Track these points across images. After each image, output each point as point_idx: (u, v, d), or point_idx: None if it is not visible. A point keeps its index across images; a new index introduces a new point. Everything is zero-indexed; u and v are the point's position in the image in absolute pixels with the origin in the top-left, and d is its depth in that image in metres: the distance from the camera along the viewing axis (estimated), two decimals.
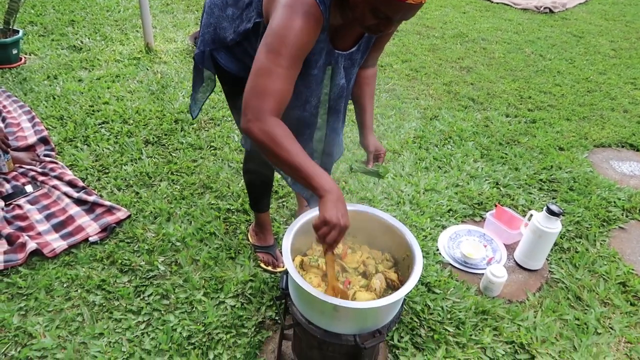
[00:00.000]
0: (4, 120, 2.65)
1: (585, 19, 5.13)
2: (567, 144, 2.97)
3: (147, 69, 3.34)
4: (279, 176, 2.37)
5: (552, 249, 2.17)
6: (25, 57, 3.30)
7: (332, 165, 1.90)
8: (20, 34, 3.19)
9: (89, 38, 3.67)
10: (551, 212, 1.96)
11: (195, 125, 2.80)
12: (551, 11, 5.18)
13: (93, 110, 2.83)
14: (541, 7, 5.23)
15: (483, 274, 2.01)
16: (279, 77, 1.23)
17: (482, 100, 3.38)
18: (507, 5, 5.33)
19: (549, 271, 2.09)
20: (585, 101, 3.50)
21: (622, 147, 3.04)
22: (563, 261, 2.14)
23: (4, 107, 2.75)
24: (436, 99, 3.35)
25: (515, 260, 2.14)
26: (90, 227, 2.03)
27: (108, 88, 3.06)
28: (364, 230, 1.60)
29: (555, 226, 1.98)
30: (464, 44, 4.28)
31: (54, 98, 2.91)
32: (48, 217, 2.09)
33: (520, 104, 3.38)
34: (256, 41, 1.42)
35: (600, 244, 2.24)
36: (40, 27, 3.77)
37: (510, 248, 2.21)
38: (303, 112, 1.51)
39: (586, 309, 1.91)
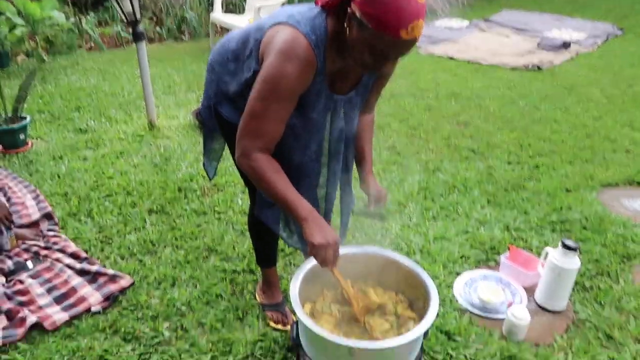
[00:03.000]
0: (9, 200, 2.66)
1: (573, 72, 5.29)
2: (574, 186, 2.93)
3: (151, 144, 3.41)
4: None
5: (573, 289, 2.07)
6: (32, 142, 3.39)
7: (349, 217, 1.87)
8: (27, 120, 3.30)
9: (94, 121, 3.79)
10: (567, 247, 1.89)
11: (198, 192, 2.81)
12: (539, 68, 5.36)
13: (97, 185, 2.85)
14: (529, 64, 5.42)
15: (504, 318, 1.91)
16: (269, 120, 1.33)
17: (483, 151, 3.40)
18: (497, 65, 5.54)
19: (574, 311, 1.98)
20: (585, 145, 3.51)
21: (630, 185, 3.00)
22: (587, 300, 2.04)
23: (9, 187, 2.77)
24: (437, 153, 3.37)
25: (536, 302, 2.04)
26: (93, 296, 1.97)
27: (112, 164, 3.11)
28: (373, 271, 1.55)
29: (574, 262, 1.91)
30: (458, 101, 4.39)
31: (59, 177, 2.94)
32: (49, 290, 2.03)
33: (521, 152, 3.40)
34: None
35: (624, 280, 2.15)
36: (47, 114, 3.91)
37: (530, 290, 2.11)
38: (303, 158, 1.52)
39: (620, 348, 1.79)
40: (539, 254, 2.30)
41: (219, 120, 1.62)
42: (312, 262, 1.50)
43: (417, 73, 5.27)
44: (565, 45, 6.08)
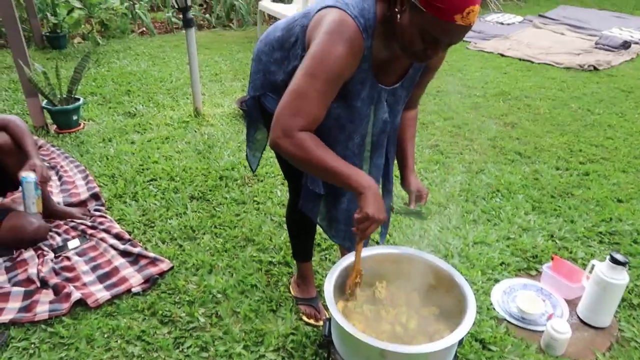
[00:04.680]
0: (60, 178, 2.78)
1: (632, 75, 5.02)
2: (626, 196, 2.80)
3: (195, 131, 3.47)
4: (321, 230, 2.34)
5: (620, 305, 1.98)
6: (84, 123, 3.52)
7: (389, 215, 1.84)
8: (81, 101, 3.42)
9: (142, 105, 3.90)
10: (616, 262, 1.81)
11: (239, 181, 2.85)
12: (595, 69, 5.12)
13: (142, 169, 2.93)
14: (585, 65, 5.18)
15: (543, 331, 1.85)
16: (313, 100, 1.27)
17: (530, 154, 3.29)
18: (549, 64, 5.32)
19: (619, 329, 1.90)
20: None
21: None
22: (634, 318, 1.94)
23: (61, 166, 2.89)
24: (481, 154, 3.28)
25: (578, 316, 1.96)
26: (134, 278, 2.03)
27: (158, 149, 3.19)
28: (407, 272, 1.52)
29: (622, 277, 1.82)
30: (506, 101, 4.26)
31: (107, 158, 3.05)
32: (94, 269, 2.11)
33: (571, 157, 3.26)
34: None
35: None
36: (99, 97, 4.05)
37: (572, 303, 2.03)
38: (346, 151, 1.50)
39: None
40: (584, 266, 2.21)
41: (262, 112, 1.62)
42: (348, 259, 1.50)
43: (465, 70, 5.13)
44: (626, 45, 5.78)
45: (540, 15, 7.54)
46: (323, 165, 1.27)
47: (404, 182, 1.67)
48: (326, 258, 2.24)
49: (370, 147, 1.58)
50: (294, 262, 2.06)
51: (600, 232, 2.48)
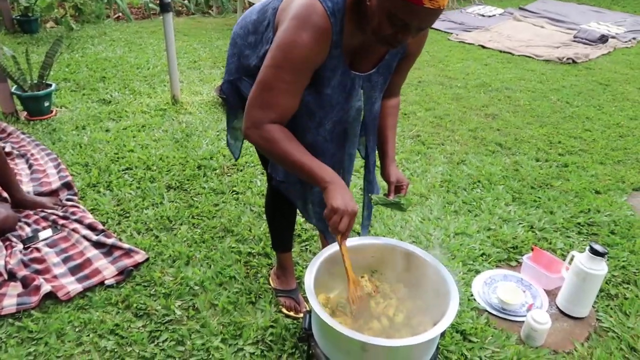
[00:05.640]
0: (30, 166, 2.68)
1: (610, 68, 5.09)
2: (604, 188, 2.82)
3: (173, 119, 3.39)
4: (302, 219, 2.30)
5: (598, 296, 1.99)
6: (56, 110, 3.40)
7: (372, 207, 1.81)
8: (53, 87, 3.30)
9: (118, 92, 3.78)
10: (595, 252, 1.81)
11: (218, 171, 2.78)
12: (574, 62, 5.16)
13: (118, 158, 2.85)
14: (564, 58, 5.22)
15: (523, 321, 1.85)
16: (281, 91, 1.24)
17: (510, 145, 3.30)
18: (529, 57, 5.35)
19: (597, 319, 1.91)
20: (618, 146, 3.37)
21: None
22: (611, 308, 1.96)
23: (32, 154, 2.79)
24: (462, 145, 3.28)
25: (557, 307, 1.97)
26: (107, 269, 1.97)
27: (134, 137, 3.10)
28: (391, 264, 1.49)
29: (601, 267, 1.83)
30: (487, 92, 4.26)
31: (81, 147, 2.95)
32: (65, 260, 2.03)
33: (550, 149, 3.28)
34: None
35: None
36: (73, 83, 3.91)
37: (552, 294, 2.04)
38: (317, 137, 1.45)
39: None
40: (563, 257, 2.22)
41: (239, 96, 1.57)
42: (330, 250, 1.46)
43: (446, 61, 5.13)
44: (603, 39, 5.85)
45: (520, 8, 7.58)
46: (289, 158, 1.28)
47: (384, 172, 1.63)
48: (307, 249, 2.21)
49: (344, 135, 1.55)
50: (274, 253, 2.02)
51: (579, 223, 2.50)
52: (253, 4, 5.76)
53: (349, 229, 1.28)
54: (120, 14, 6.16)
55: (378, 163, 1.69)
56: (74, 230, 2.18)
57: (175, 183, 2.64)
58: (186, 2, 6.70)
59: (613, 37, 6.09)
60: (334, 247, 1.45)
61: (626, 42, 6.01)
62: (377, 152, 1.67)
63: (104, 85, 3.92)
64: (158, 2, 3.35)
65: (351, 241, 1.47)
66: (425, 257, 1.45)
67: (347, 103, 1.45)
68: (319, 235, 2.12)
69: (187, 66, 4.53)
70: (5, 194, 2.34)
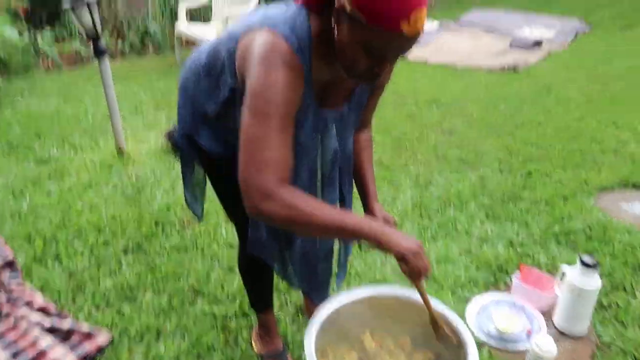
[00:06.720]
0: None
1: (549, 71, 5.26)
2: (571, 193, 2.83)
3: (121, 173, 3.15)
4: None
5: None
6: None
7: (351, 249, 1.69)
8: None
9: (57, 149, 3.51)
10: (586, 265, 1.76)
11: (177, 225, 2.58)
12: (515, 70, 5.31)
13: (64, 223, 2.59)
14: (505, 66, 5.37)
15: (525, 350, 1.76)
16: (274, 142, 1.06)
17: (472, 160, 3.28)
18: (472, 68, 5.47)
19: (597, 335, 1.86)
20: (573, 148, 3.43)
21: (625, 187, 2.93)
22: (608, 320, 1.92)
23: None
24: (425, 164, 3.23)
25: (555, 327, 1.90)
26: (66, 359, 1.73)
27: (80, 197, 2.85)
28: (393, 316, 1.36)
29: (594, 281, 1.79)
30: (439, 107, 4.28)
31: (20, 216, 2.67)
32: (15, 355, 1.77)
33: (511, 159, 3.29)
34: (235, 111, 1.23)
35: None
36: (4, 144, 3.59)
37: (546, 313, 1.97)
38: None
39: None
40: (548, 271, 2.17)
41: (196, 149, 1.42)
42: (327, 307, 1.30)
43: (394, 80, 5.10)
44: (537, 44, 6.08)
45: (455, 20, 7.80)
46: (322, 221, 1.05)
47: (367, 211, 1.51)
48: (287, 302, 2.05)
49: (321, 183, 1.43)
50: (253, 312, 1.84)
51: (555, 233, 2.47)
52: (193, 41, 5.59)
53: (429, 266, 1.13)
54: (50, 63, 5.83)
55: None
56: (22, 317, 1.92)
57: (133, 245, 2.41)
58: (119, 43, 6.44)
59: (546, 41, 6.34)
60: (325, 307, 1.30)
61: (558, 45, 6.27)
62: (355, 190, 1.56)
63: (40, 142, 3.62)
64: (91, 46, 3.13)
65: (337, 297, 1.33)
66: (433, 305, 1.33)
67: (322, 147, 1.33)
68: (304, 299, 1.95)
69: (129, 112, 4.28)
70: None
